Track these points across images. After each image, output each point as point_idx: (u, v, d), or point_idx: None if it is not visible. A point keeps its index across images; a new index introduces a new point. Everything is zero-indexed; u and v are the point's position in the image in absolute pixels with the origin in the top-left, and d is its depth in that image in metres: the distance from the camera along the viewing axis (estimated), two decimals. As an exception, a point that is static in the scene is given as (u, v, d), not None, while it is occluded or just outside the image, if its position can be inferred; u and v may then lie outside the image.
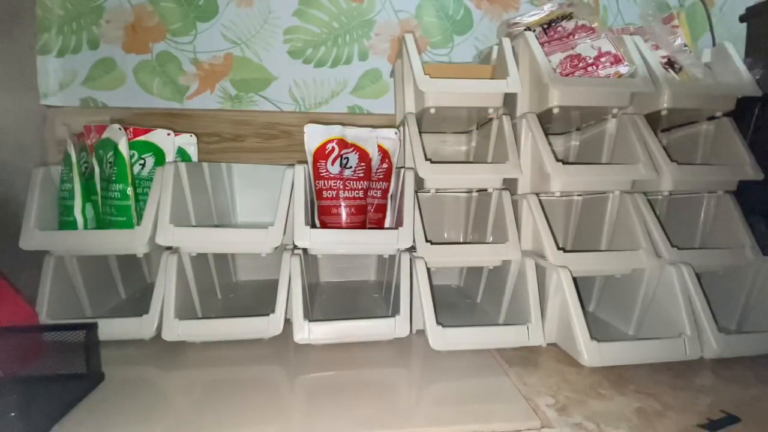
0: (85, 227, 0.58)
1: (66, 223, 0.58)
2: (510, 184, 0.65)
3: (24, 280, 0.55)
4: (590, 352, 0.50)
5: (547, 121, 0.64)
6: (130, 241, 0.55)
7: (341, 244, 0.58)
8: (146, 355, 0.53)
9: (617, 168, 0.59)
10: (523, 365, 0.51)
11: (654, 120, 0.62)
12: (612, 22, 0.85)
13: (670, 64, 0.61)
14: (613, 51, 0.59)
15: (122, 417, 0.40)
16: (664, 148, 0.59)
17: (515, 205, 0.63)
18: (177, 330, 0.53)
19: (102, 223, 0.59)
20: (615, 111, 0.62)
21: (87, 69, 0.77)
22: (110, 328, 0.53)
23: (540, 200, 0.61)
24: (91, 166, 0.59)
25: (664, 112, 0.60)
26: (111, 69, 0.78)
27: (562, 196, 0.72)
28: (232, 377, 0.48)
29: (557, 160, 0.57)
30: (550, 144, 0.59)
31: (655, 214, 0.61)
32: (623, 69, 0.59)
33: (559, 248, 0.57)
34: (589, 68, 0.60)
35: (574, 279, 0.55)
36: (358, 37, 0.81)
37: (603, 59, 0.60)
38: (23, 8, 0.72)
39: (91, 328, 0.46)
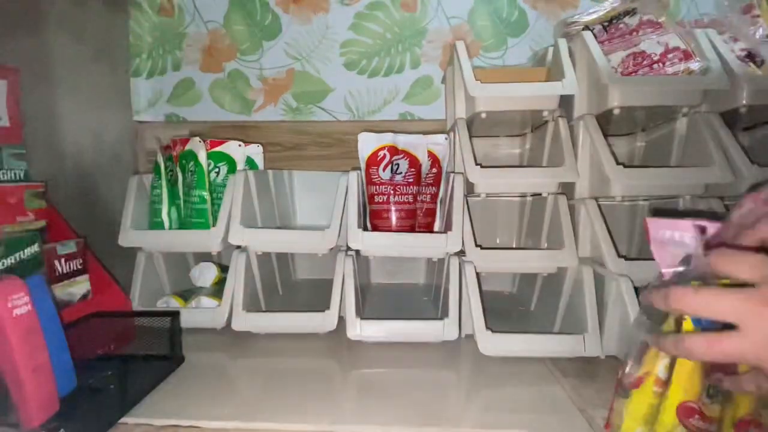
0: (170, 228, 0.66)
1: (155, 223, 0.66)
2: (567, 189, 0.63)
3: (115, 272, 0.63)
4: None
5: (607, 122, 0.61)
6: (207, 240, 0.62)
7: (391, 247, 0.60)
8: (218, 342, 0.59)
9: (687, 171, 0.55)
10: (578, 376, 0.49)
11: (732, 118, 0.57)
12: (685, 13, 0.78)
13: (751, 57, 0.56)
14: (683, 46, 0.55)
15: (199, 396, 0.45)
16: (744, 149, 0.54)
17: (572, 210, 0.61)
18: (245, 321, 0.59)
19: (184, 224, 0.66)
20: (685, 110, 0.58)
21: (171, 88, 0.87)
22: (189, 317, 0.60)
23: (599, 205, 0.59)
24: (175, 174, 0.67)
25: (743, 110, 0.55)
26: (190, 87, 0.87)
27: (625, 201, 0.68)
28: (291, 367, 0.52)
29: (618, 163, 0.55)
30: (610, 146, 0.57)
31: (734, 220, 0.55)
32: (694, 65, 0.55)
33: (620, 256, 0.55)
34: (655, 66, 0.57)
35: (636, 289, 0.52)
36: (411, 46, 0.84)
37: (671, 55, 0.56)
38: (119, 37, 0.84)
39: (175, 315, 0.52)
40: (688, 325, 0.29)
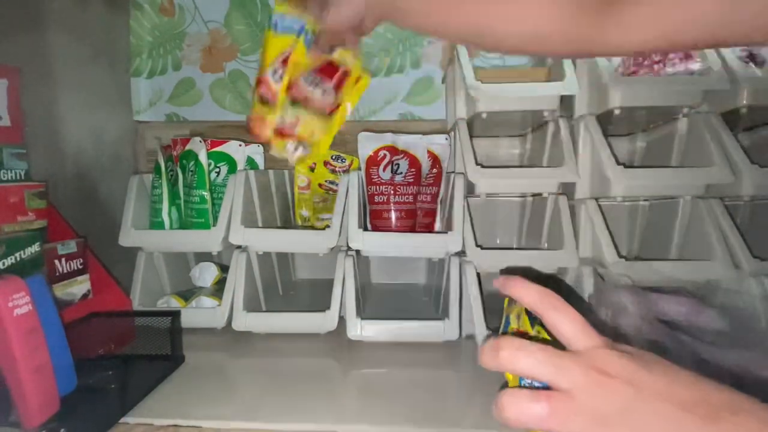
0: (171, 227, 0.66)
1: (155, 223, 0.66)
2: (567, 189, 0.63)
3: (115, 272, 0.63)
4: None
5: (607, 122, 0.61)
6: (207, 240, 0.62)
7: (391, 247, 0.60)
8: (218, 342, 0.59)
9: (687, 171, 0.55)
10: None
11: (732, 119, 0.57)
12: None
13: (752, 57, 0.56)
14: (683, 46, 0.55)
15: (199, 396, 0.45)
16: (745, 150, 0.54)
17: (572, 210, 0.61)
18: (245, 321, 0.59)
19: (184, 224, 0.66)
20: (685, 110, 0.58)
21: (171, 88, 0.87)
22: (189, 317, 0.60)
23: (600, 205, 0.59)
24: (176, 174, 0.67)
25: (743, 110, 0.55)
26: (191, 87, 0.87)
27: (625, 201, 0.68)
28: (291, 367, 0.52)
29: (618, 163, 0.55)
30: (610, 146, 0.57)
31: (734, 221, 0.55)
32: (694, 66, 0.55)
33: (621, 256, 0.55)
34: (656, 66, 0.57)
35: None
36: (411, 46, 0.84)
37: (671, 56, 0.56)
38: (119, 37, 0.84)
39: (176, 315, 0.52)
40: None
